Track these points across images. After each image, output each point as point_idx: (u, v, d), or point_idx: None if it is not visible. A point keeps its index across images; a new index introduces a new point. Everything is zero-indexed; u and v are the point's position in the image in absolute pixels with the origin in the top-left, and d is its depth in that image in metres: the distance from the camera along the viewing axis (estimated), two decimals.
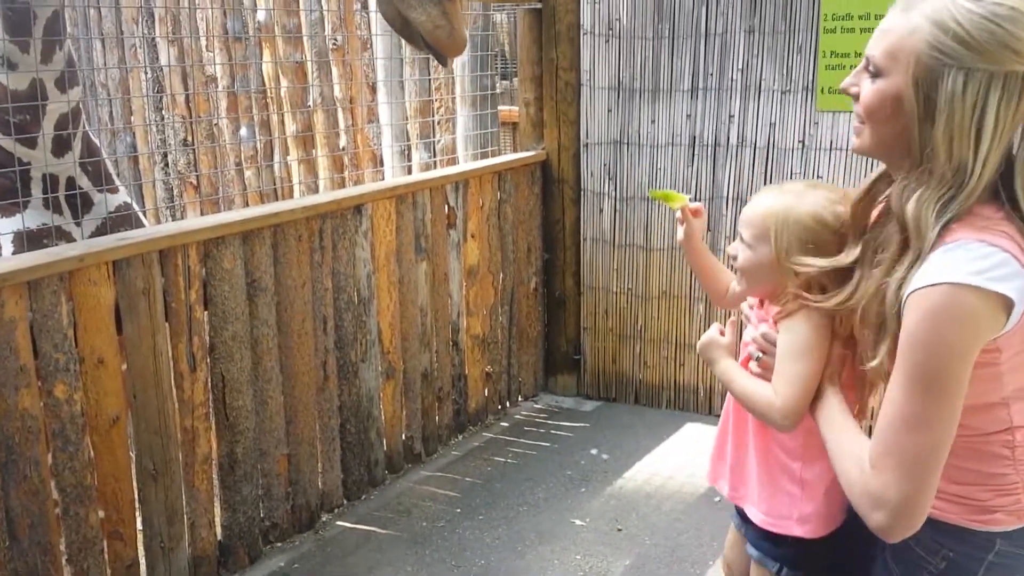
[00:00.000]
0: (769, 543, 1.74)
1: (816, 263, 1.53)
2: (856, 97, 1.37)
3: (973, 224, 1.27)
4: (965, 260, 1.24)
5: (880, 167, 1.47)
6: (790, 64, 3.56)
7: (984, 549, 1.37)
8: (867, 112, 1.35)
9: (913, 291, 1.26)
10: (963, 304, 1.22)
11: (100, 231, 2.70)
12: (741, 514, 1.83)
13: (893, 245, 1.33)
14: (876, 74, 1.32)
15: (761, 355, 1.64)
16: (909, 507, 1.28)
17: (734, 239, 1.76)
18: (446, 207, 3.61)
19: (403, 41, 4.30)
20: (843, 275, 1.51)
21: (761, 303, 1.73)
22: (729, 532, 1.98)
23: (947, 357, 1.24)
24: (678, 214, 1.90)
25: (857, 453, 1.36)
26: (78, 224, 2.65)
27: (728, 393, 1.76)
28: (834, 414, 1.49)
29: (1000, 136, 1.25)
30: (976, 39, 1.22)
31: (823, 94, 3.49)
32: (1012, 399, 1.34)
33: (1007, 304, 1.24)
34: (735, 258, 1.70)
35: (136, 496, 2.60)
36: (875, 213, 1.50)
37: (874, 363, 1.36)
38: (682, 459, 3.58)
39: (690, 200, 1.91)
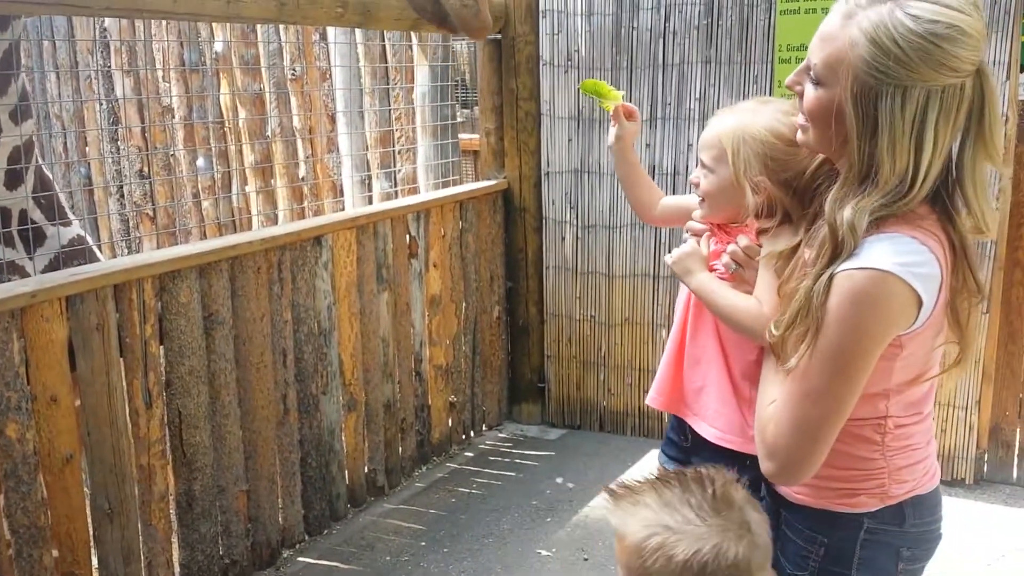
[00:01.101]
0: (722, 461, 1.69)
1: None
2: (800, 95, 1.39)
3: (908, 220, 1.30)
4: (894, 250, 1.27)
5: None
6: (746, 93, 3.62)
7: (854, 529, 1.44)
8: (810, 117, 1.38)
9: (840, 271, 1.29)
10: (885, 291, 1.26)
11: (53, 265, 2.65)
12: (678, 436, 1.82)
13: (819, 247, 1.35)
14: (817, 82, 1.34)
15: (736, 266, 1.62)
16: (793, 468, 1.36)
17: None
18: (408, 237, 3.60)
19: (362, 70, 4.31)
20: (803, 190, 1.54)
21: (718, 228, 1.71)
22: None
23: (861, 339, 1.28)
24: (611, 112, 1.84)
25: (772, 394, 1.41)
26: (31, 258, 2.60)
27: (683, 309, 1.74)
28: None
29: (941, 148, 1.28)
30: (913, 59, 1.24)
31: None
32: (893, 392, 1.39)
33: (919, 302, 1.28)
34: (697, 185, 1.69)
35: (91, 536, 2.54)
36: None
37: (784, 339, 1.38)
38: None
39: (624, 98, 1.84)
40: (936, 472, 1.51)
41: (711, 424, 1.74)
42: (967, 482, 3.49)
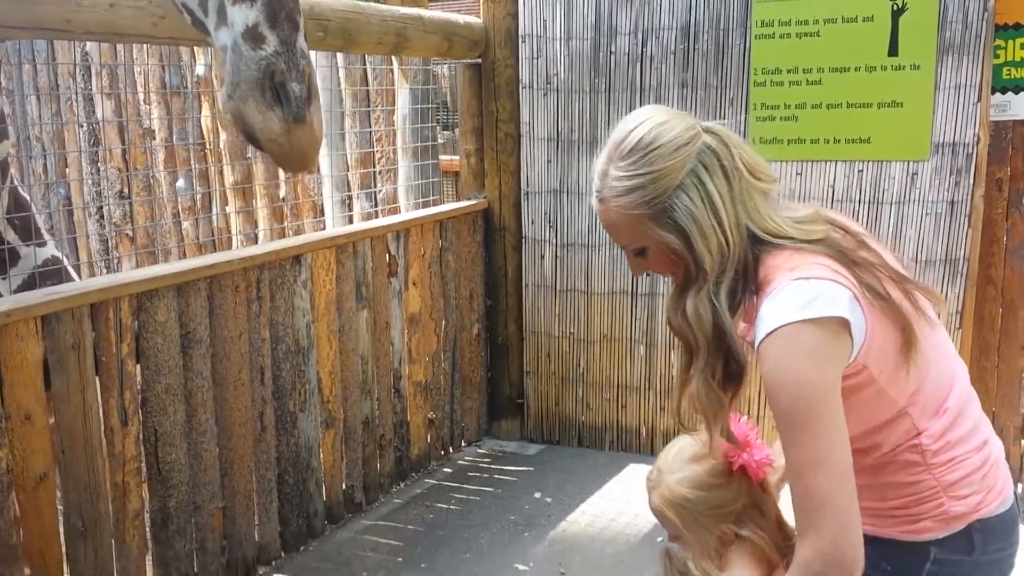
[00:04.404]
0: None
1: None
2: (652, 270, 1.50)
3: (780, 270, 1.35)
4: (788, 300, 1.31)
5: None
6: (722, 116, 3.67)
7: (921, 559, 1.41)
8: (669, 272, 1.47)
9: (757, 345, 1.33)
10: (802, 339, 1.29)
11: (27, 285, 2.66)
12: None
13: (685, 350, 1.44)
14: (642, 250, 1.45)
15: None
16: (842, 544, 1.28)
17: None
18: (387, 256, 3.64)
19: (343, 92, 4.36)
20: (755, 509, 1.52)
21: None
22: None
23: (809, 391, 1.29)
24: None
25: None
26: (4, 278, 2.62)
27: None
28: None
29: (735, 201, 1.38)
30: (657, 167, 1.37)
31: (755, 143, 3.60)
32: (909, 406, 1.38)
33: (844, 323, 1.30)
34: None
35: (64, 554, 2.54)
36: None
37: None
38: (626, 500, 3.60)
39: None
40: (1006, 491, 1.46)
41: None
42: None
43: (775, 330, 1.30)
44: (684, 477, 1.52)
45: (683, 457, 1.54)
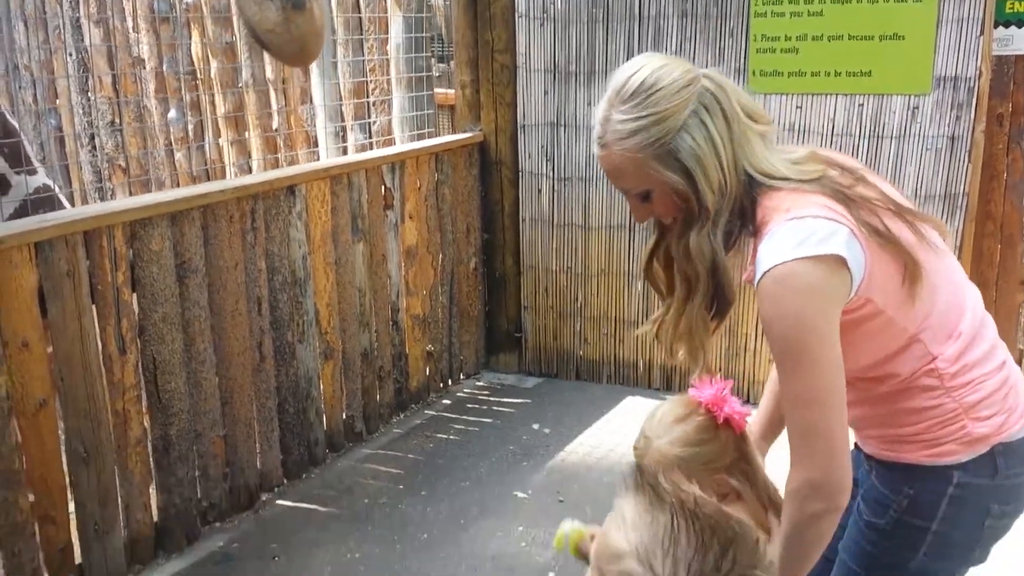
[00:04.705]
0: None
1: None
2: (654, 215, 1.49)
3: (777, 212, 1.36)
4: (784, 239, 1.32)
5: (655, 233, 1.57)
6: (722, 47, 3.61)
7: (943, 483, 1.41)
8: (674, 213, 1.46)
9: (756, 285, 1.35)
10: (799, 276, 1.30)
11: (19, 213, 2.63)
12: None
13: (683, 284, 1.47)
14: (646, 195, 1.45)
15: None
16: (830, 472, 1.32)
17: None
18: (383, 188, 3.60)
19: (335, 20, 4.27)
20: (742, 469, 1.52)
21: None
22: None
23: (804, 328, 1.31)
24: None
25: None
26: None
27: None
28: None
29: (733, 142, 1.39)
30: (660, 110, 1.37)
31: (755, 76, 3.55)
32: (920, 332, 1.39)
33: (840, 260, 1.31)
34: None
35: (67, 480, 2.56)
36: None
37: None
38: (623, 432, 3.63)
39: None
40: None
41: None
42: None
43: (771, 268, 1.31)
44: (674, 438, 1.52)
45: (667, 421, 1.55)
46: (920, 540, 1.44)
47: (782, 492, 1.47)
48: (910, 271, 1.36)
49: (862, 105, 3.45)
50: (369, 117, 4.32)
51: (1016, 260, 3.45)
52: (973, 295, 1.49)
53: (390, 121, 4.22)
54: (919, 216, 1.44)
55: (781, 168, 1.41)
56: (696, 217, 1.41)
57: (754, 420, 1.67)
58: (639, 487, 1.06)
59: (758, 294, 1.35)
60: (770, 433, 1.74)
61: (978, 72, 3.29)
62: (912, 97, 3.39)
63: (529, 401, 3.96)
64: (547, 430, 3.68)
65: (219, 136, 4.75)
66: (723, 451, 1.52)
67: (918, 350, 1.39)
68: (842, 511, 1.36)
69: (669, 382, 3.98)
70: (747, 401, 3.61)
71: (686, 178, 1.39)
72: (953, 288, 1.45)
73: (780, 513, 1.57)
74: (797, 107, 3.54)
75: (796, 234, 1.31)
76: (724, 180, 1.39)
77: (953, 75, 3.32)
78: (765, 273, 1.32)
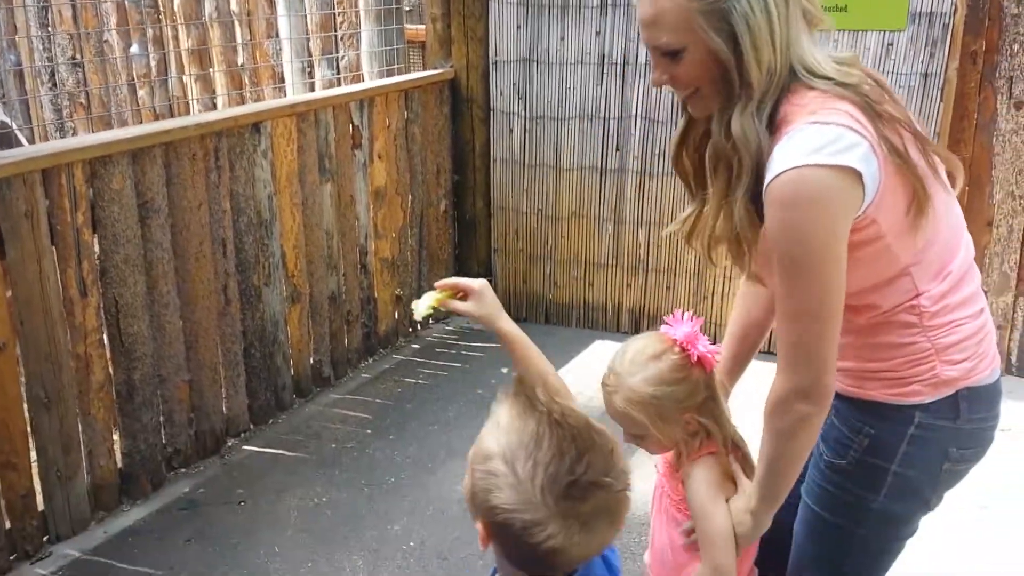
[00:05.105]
0: None
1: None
2: (673, 81, 1.38)
3: (801, 112, 1.30)
4: (802, 143, 1.26)
5: (683, 120, 1.49)
6: None
7: (904, 423, 1.41)
8: (698, 82, 1.36)
9: (765, 187, 1.29)
10: (811, 184, 1.25)
11: None
12: None
13: (724, 172, 1.36)
14: (677, 53, 1.33)
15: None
16: (817, 382, 1.33)
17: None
18: (351, 126, 3.52)
19: None
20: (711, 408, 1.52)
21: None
22: None
23: (811, 239, 1.26)
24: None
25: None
26: None
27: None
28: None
29: (788, 23, 1.30)
30: None
31: None
32: (912, 265, 1.36)
33: (856, 174, 1.26)
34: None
35: (29, 426, 2.52)
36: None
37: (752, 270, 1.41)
38: (591, 374, 3.63)
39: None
40: (996, 362, 1.45)
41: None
42: None
43: (784, 172, 1.25)
44: (648, 376, 1.51)
45: (640, 359, 1.53)
46: (881, 481, 1.44)
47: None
48: (919, 200, 1.32)
49: (836, 41, 3.40)
50: (337, 52, 4.20)
51: (984, 201, 3.47)
52: (967, 240, 1.48)
53: (358, 56, 4.12)
54: (937, 149, 1.40)
55: (824, 65, 1.33)
56: (736, 96, 1.32)
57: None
58: (517, 395, 1.11)
59: (765, 196, 1.29)
60: (735, 371, 1.74)
61: (953, 7, 3.26)
62: (887, 33, 3.35)
63: (498, 346, 3.88)
64: (515, 374, 3.67)
65: (183, 71, 4.62)
66: (695, 390, 1.51)
67: (905, 283, 1.37)
68: (825, 416, 1.36)
69: (638, 325, 3.99)
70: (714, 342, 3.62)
71: (731, 45, 1.29)
72: (952, 228, 1.43)
73: (742, 456, 1.58)
74: None
75: (816, 139, 1.25)
76: (775, 60, 1.29)
77: (929, 10, 3.29)
78: (776, 176, 1.26)
